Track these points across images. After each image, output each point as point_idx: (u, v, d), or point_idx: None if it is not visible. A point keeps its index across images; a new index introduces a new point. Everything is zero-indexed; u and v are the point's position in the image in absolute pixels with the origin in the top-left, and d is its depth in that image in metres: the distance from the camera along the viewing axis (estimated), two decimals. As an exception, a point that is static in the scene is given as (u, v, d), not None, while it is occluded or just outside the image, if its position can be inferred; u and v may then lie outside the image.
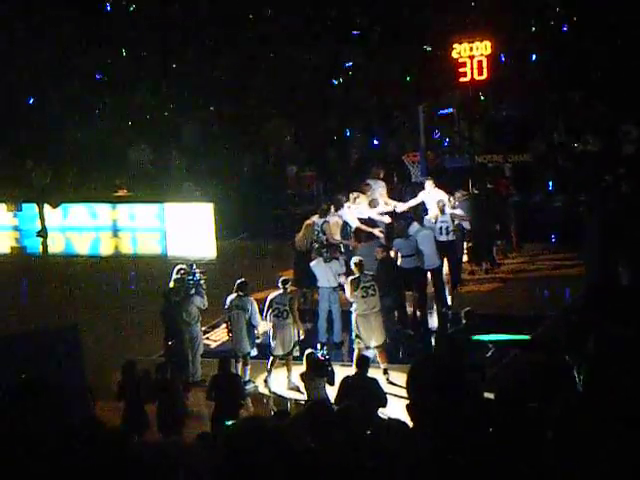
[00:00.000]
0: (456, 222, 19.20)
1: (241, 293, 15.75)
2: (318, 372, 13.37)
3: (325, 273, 16.89)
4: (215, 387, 13.50)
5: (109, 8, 31.65)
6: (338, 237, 18.78)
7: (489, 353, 14.64)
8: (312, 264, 17.35)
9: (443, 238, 18.74)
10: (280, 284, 15.72)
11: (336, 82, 28.90)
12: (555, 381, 9.89)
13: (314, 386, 13.39)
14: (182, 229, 24.64)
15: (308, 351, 13.82)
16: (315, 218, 18.89)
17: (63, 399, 10.34)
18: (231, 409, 13.04)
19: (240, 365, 15.47)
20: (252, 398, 14.99)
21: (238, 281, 15.94)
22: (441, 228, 18.80)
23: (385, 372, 15.34)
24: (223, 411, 12.98)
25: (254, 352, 15.71)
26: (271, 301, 15.59)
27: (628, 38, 25.88)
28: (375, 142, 27.43)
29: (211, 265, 22.36)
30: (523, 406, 6.73)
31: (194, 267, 16.17)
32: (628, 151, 23.77)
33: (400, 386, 14.03)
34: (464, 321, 14.21)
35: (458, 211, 19.52)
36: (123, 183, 27.54)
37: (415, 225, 18.44)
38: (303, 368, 13.64)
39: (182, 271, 16.12)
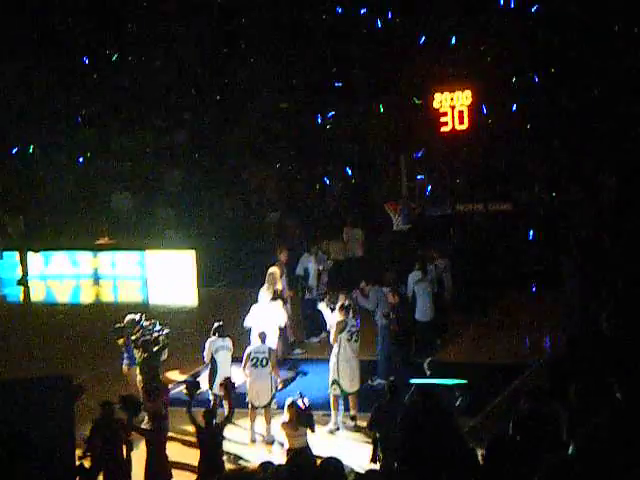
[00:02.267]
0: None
1: (220, 336, 15.89)
2: (302, 421, 13.35)
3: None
4: (199, 440, 13.44)
5: (87, 61, 31.81)
6: (279, 285, 18.72)
7: (457, 402, 14.74)
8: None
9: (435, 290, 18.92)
10: (257, 336, 15.74)
11: (318, 130, 29.06)
12: (541, 431, 9.91)
13: (297, 434, 13.36)
14: (164, 277, 24.61)
15: (289, 400, 13.78)
16: (276, 267, 19.01)
17: (42, 452, 10.31)
18: (216, 462, 13.09)
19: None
20: (235, 452, 14.93)
21: (216, 324, 16.04)
22: (432, 280, 18.94)
23: (353, 418, 15.52)
24: (208, 465, 13.04)
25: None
26: (249, 353, 15.59)
27: (606, 88, 26.25)
28: (355, 189, 27.57)
29: (189, 313, 22.46)
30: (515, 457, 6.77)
31: (142, 317, 16.23)
32: (606, 201, 23.94)
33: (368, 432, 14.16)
34: (428, 372, 14.14)
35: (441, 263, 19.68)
36: (105, 231, 27.55)
37: (417, 274, 18.45)
38: (284, 417, 13.60)
39: (132, 320, 16.18)
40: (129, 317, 16.35)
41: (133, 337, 15.97)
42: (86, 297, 26.19)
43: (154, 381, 15.32)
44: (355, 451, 14.36)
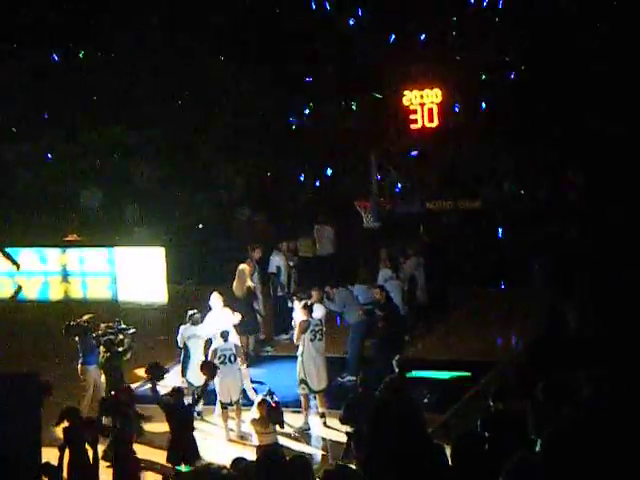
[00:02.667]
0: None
1: (194, 324, 16.10)
2: (272, 418, 13.38)
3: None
4: (170, 417, 13.43)
5: (56, 58, 31.56)
6: (249, 282, 18.73)
7: (425, 399, 14.85)
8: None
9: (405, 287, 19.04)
10: (220, 336, 15.63)
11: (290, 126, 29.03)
12: (508, 428, 9.99)
13: (267, 432, 13.39)
14: (133, 274, 24.53)
15: (259, 398, 13.80)
16: (246, 265, 19.01)
17: (9, 450, 10.25)
18: (187, 441, 13.11)
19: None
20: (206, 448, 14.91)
21: (190, 312, 16.25)
22: (402, 278, 19.02)
23: (322, 416, 15.57)
24: (178, 444, 13.08)
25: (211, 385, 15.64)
26: (215, 350, 15.52)
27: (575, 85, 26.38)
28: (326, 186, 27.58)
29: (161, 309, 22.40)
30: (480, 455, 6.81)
31: (94, 318, 16.24)
32: (573, 198, 24.06)
33: (337, 430, 14.39)
34: (397, 369, 14.10)
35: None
36: (73, 227, 27.40)
37: (387, 272, 18.55)
38: (254, 414, 13.59)
39: (88, 319, 16.15)
40: (85, 317, 16.25)
41: (94, 334, 15.89)
42: (54, 294, 26.04)
43: (119, 380, 15.28)
44: (325, 448, 14.42)
